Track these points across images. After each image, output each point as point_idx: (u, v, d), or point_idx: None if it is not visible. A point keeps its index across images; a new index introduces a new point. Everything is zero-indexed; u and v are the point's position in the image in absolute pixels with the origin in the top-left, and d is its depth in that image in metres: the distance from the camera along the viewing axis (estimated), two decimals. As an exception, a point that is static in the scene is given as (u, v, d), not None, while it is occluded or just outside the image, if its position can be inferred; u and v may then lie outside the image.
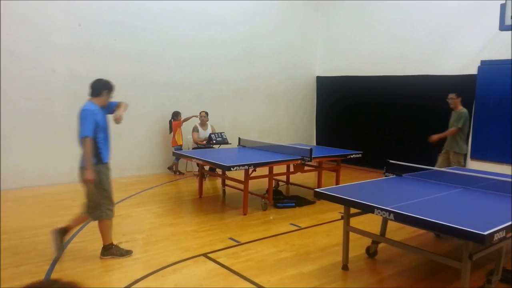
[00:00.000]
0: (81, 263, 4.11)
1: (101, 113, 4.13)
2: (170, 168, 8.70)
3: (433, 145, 6.93)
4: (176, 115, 8.51)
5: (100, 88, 4.16)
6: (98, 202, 4.17)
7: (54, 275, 3.80)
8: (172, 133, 8.46)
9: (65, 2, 7.33)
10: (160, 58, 8.53)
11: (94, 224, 5.27)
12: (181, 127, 8.56)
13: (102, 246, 4.27)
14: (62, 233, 4.24)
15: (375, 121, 9.75)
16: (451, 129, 6.66)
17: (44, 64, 7.25)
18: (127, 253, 4.32)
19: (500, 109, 7.54)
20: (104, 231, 4.26)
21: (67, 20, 7.41)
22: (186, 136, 8.69)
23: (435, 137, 6.81)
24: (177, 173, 8.60)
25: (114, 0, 7.83)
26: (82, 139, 3.94)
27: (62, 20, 7.36)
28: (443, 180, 4.55)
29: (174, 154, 7.33)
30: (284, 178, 7.59)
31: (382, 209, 3.35)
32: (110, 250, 4.25)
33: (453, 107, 6.84)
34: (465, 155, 6.89)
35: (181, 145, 8.46)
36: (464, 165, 6.97)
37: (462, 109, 6.73)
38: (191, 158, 6.47)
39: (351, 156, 7.09)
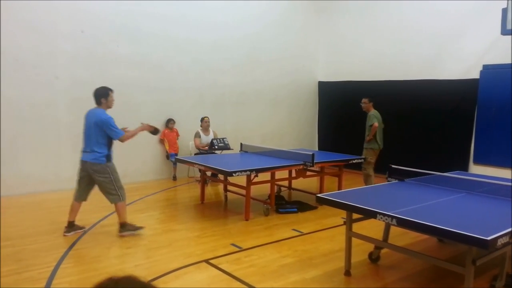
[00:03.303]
0: (83, 269, 4.11)
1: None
2: (174, 177, 8.67)
3: (434, 151, 7.11)
4: (168, 122, 8.59)
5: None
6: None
7: (56, 282, 3.79)
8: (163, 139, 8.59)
9: (68, 9, 7.38)
10: (163, 63, 8.56)
11: (96, 230, 5.32)
12: (170, 136, 8.59)
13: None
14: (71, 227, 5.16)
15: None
16: (373, 127, 7.15)
17: (47, 71, 7.29)
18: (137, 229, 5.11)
19: (502, 113, 7.52)
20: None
21: (70, 27, 7.45)
22: (188, 142, 8.69)
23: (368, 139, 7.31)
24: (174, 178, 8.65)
25: (117, 6, 7.88)
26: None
27: (65, 27, 7.40)
28: (446, 185, 4.53)
29: (176, 160, 7.33)
30: (286, 183, 7.58)
31: (384, 215, 3.33)
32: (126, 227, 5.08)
33: (365, 110, 7.46)
34: (372, 151, 7.31)
35: (172, 153, 8.51)
36: (370, 160, 7.30)
37: (371, 112, 7.37)
38: (193, 163, 6.47)
39: (354, 161, 7.08)
